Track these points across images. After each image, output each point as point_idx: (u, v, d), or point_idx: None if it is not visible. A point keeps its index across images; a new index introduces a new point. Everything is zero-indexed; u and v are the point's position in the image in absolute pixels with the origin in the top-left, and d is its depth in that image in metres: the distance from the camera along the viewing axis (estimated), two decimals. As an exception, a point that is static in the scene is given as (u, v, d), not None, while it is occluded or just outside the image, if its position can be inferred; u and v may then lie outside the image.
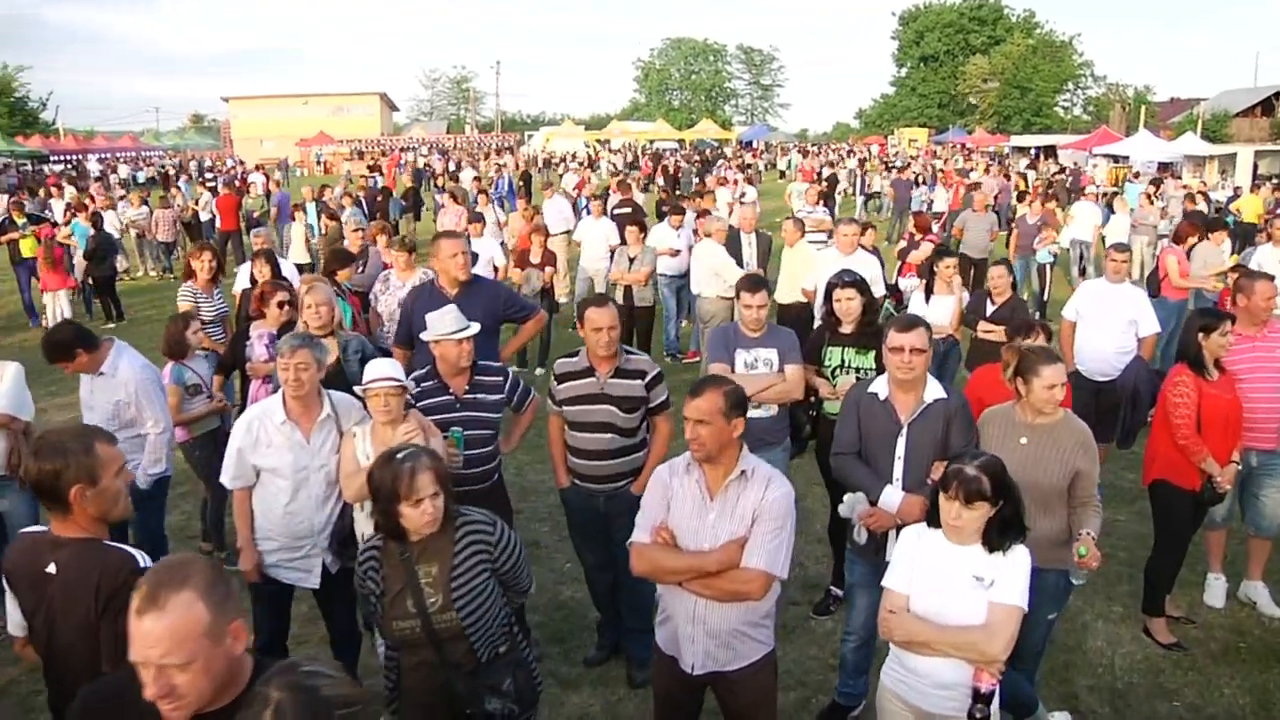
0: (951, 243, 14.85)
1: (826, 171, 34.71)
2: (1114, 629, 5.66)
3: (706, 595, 3.43)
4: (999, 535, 3.24)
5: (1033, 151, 48.03)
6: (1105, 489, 7.37)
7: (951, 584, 3.26)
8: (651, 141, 63.75)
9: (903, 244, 12.30)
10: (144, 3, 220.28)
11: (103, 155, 56.46)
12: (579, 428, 4.96)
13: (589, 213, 14.22)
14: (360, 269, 9.86)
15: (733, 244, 10.35)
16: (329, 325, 5.77)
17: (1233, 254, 11.92)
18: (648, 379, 4.93)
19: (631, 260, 10.51)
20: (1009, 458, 4.01)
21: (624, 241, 11.08)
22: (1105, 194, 23.73)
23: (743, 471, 3.49)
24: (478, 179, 22.86)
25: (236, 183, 30.00)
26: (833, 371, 5.59)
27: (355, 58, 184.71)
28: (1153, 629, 5.52)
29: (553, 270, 11.23)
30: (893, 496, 4.19)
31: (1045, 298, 14.62)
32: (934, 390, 4.26)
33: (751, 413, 5.20)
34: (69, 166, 50.29)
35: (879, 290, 8.35)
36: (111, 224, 19.16)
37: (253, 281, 8.17)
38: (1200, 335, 5.26)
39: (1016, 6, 76.12)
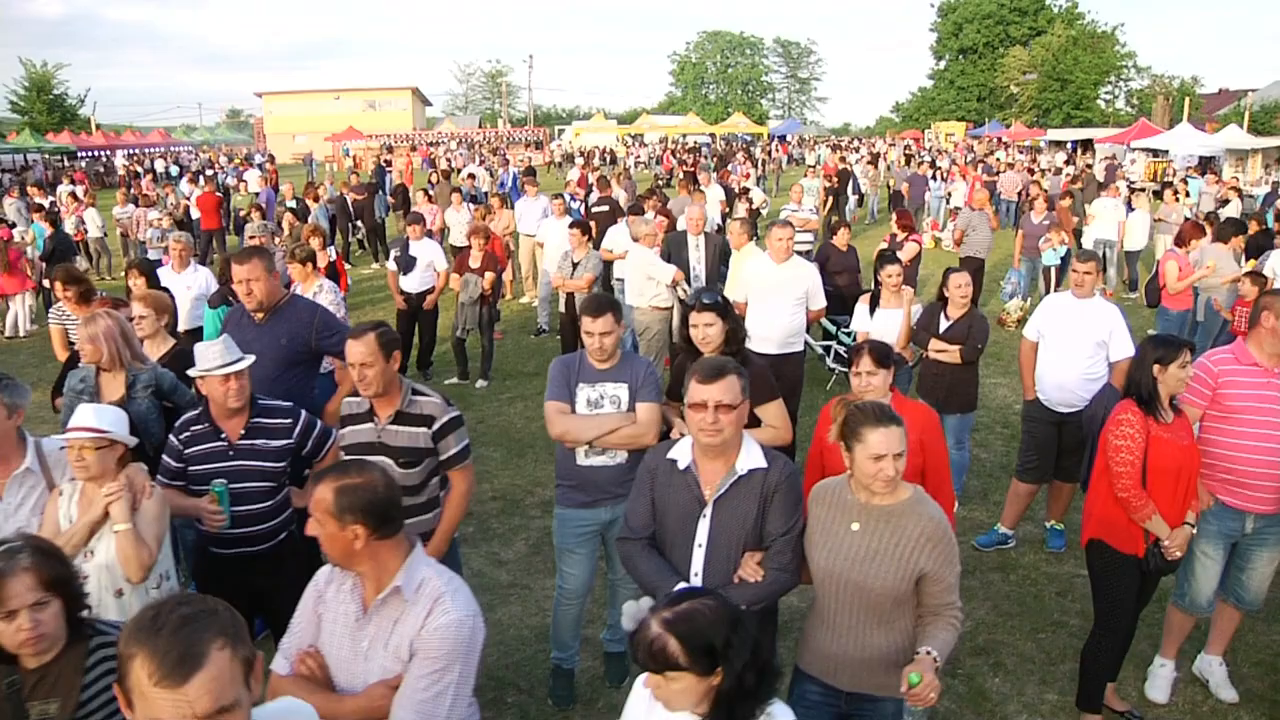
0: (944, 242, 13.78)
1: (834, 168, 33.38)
2: (1045, 725, 4.67)
3: None
4: (733, 714, 2.27)
5: (1069, 145, 46.29)
6: (1068, 537, 6.45)
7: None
8: (684, 135, 62.90)
9: (883, 245, 11.23)
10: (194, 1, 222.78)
11: (131, 151, 56.49)
12: None
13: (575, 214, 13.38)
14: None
15: (679, 247, 9.42)
16: (100, 359, 4.95)
17: (1249, 259, 10.73)
18: (436, 426, 4.06)
19: (576, 266, 9.61)
20: (837, 548, 3.10)
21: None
22: (1141, 189, 22.28)
23: (398, 587, 2.60)
24: (471, 176, 21.96)
25: (231, 180, 29.40)
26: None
27: (392, 53, 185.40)
28: (1090, 729, 4.54)
29: (493, 276, 10.36)
30: None
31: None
32: (751, 457, 3.31)
33: (594, 459, 4.38)
34: (98, 162, 50.34)
35: (816, 304, 7.37)
36: (93, 223, 18.78)
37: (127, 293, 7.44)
38: (1155, 367, 4.25)
39: (1059, -4, 73.88)
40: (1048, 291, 13.56)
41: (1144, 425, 4.21)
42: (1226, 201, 20.82)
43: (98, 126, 63.61)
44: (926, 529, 3.08)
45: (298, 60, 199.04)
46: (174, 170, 45.37)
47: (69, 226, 18.53)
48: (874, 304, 7.23)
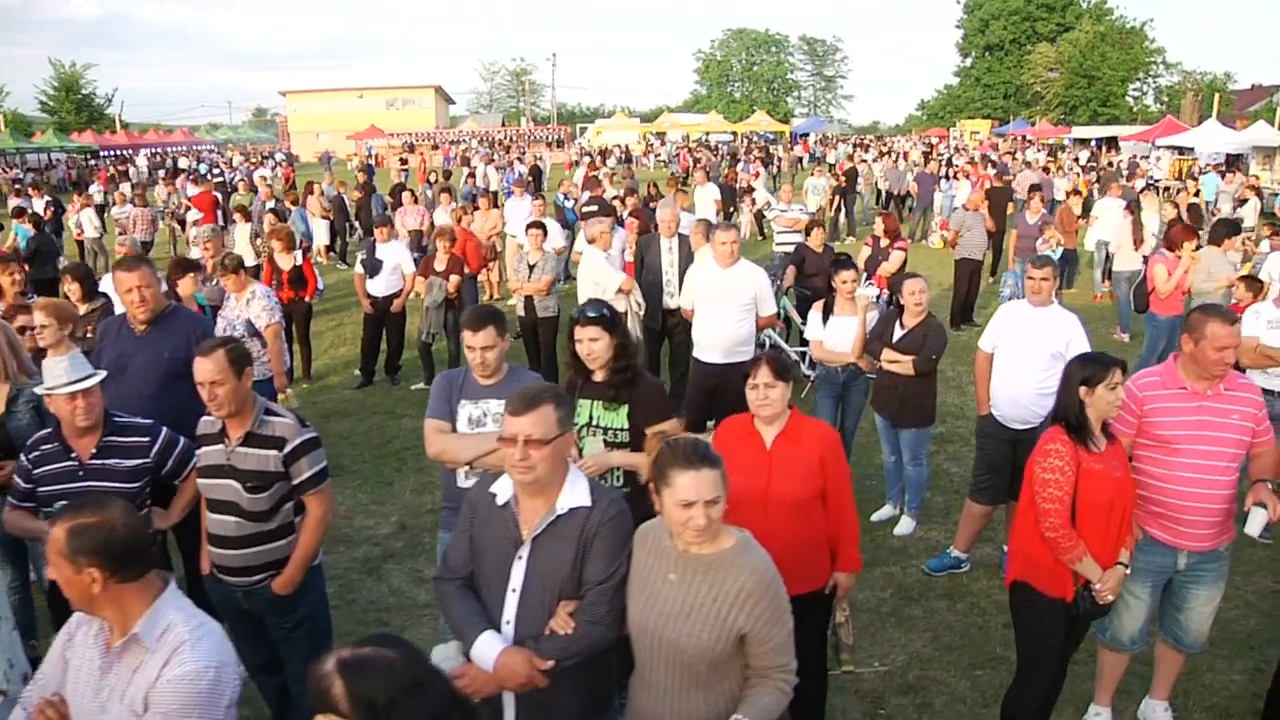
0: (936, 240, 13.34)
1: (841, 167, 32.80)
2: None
3: None
4: None
5: (1093, 143, 45.41)
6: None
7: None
8: (706, 134, 62.51)
9: (866, 250, 10.82)
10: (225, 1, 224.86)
11: (153, 150, 56.82)
12: (209, 505, 3.89)
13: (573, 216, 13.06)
14: (213, 280, 8.88)
15: (650, 250, 9.06)
16: None
17: (1244, 262, 10.23)
18: (288, 449, 3.77)
19: (532, 268, 9.29)
20: (653, 601, 2.75)
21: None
22: (1148, 189, 21.59)
23: (136, 634, 2.36)
24: (472, 175, 21.68)
25: (240, 179, 29.28)
26: (579, 432, 4.30)
27: (419, 52, 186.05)
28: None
29: (458, 279, 10.05)
30: (489, 648, 2.86)
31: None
32: (574, 495, 2.96)
33: (475, 480, 4.02)
34: (120, 161, 50.65)
35: (765, 310, 6.99)
36: (90, 224, 18.67)
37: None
38: (1082, 389, 3.85)
39: (1087, -10, 72.67)
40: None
41: (1074, 455, 3.80)
42: (1244, 201, 20.16)
43: (123, 126, 64.23)
44: (747, 584, 2.71)
45: (325, 59, 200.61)
46: (203, 168, 45.67)
47: (72, 225, 18.60)
48: (828, 311, 6.84)
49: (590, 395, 4.28)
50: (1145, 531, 4.12)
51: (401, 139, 62.91)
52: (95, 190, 25.99)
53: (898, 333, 6.43)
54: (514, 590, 2.95)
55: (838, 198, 22.52)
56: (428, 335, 10.18)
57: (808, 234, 10.28)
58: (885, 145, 44.42)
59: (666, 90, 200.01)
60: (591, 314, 4.16)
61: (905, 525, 6.69)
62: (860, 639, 5.30)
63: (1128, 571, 3.94)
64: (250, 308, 7.59)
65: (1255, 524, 4.04)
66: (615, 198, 13.93)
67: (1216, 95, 48.59)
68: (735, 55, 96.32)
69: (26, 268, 14.32)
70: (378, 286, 10.38)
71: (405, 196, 15.90)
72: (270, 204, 16.23)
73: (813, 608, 4.03)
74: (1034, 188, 16.96)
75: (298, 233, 11.91)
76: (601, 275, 8.25)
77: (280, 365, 7.63)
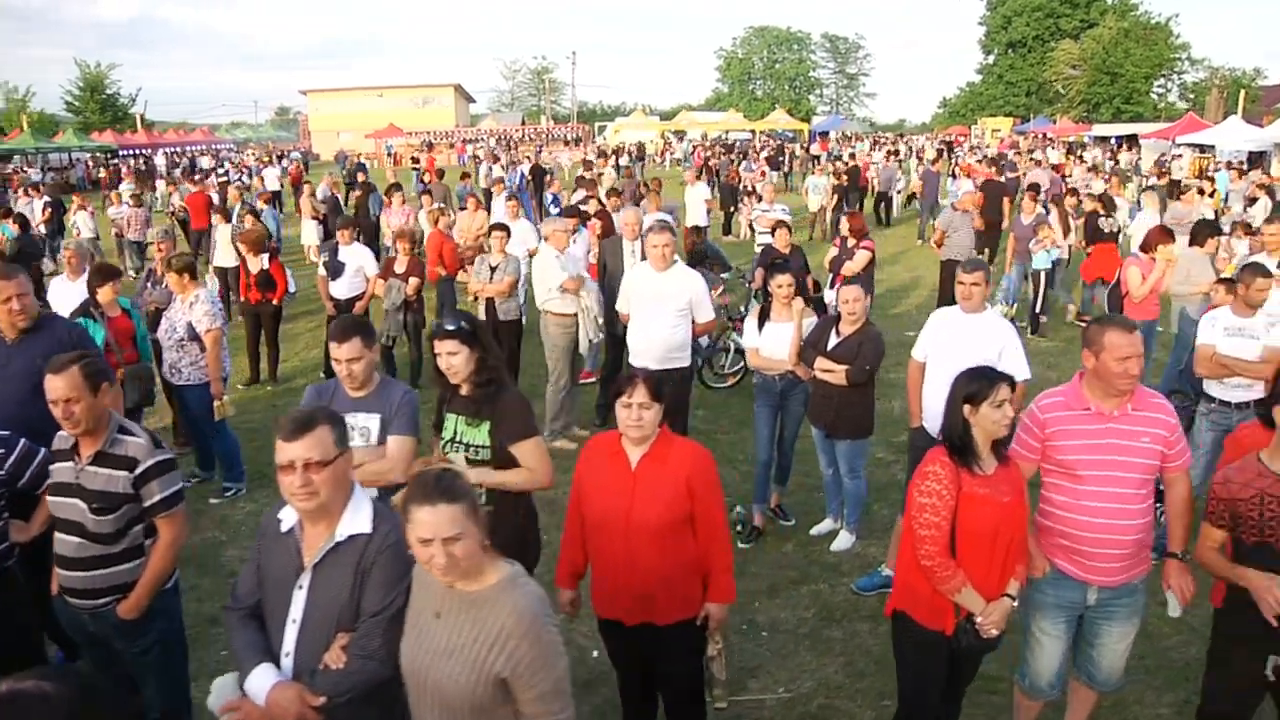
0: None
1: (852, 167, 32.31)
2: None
3: None
4: None
5: (1113, 141, 44.68)
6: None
7: None
8: (725, 132, 62.18)
9: (833, 251, 10.54)
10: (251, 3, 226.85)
11: (171, 149, 57.14)
12: (56, 524, 3.75)
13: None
14: (151, 286, 8.79)
15: (613, 253, 8.86)
16: None
17: (1229, 265, 9.85)
18: (138, 471, 3.61)
19: (494, 269, 9.09)
20: (420, 638, 2.55)
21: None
22: (1151, 188, 21.02)
23: None
24: (466, 175, 21.53)
25: (247, 179, 29.34)
26: (444, 446, 4.10)
27: (441, 51, 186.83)
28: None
29: (417, 281, 9.87)
30: (262, 681, 2.73)
31: (1040, 310, 12.67)
32: (355, 521, 2.79)
33: None
34: (140, 160, 50.96)
35: (702, 316, 6.75)
36: (85, 225, 18.68)
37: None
38: (966, 406, 3.58)
39: (1113, -14, 71.47)
40: (1036, 297, 12.75)
41: (954, 478, 3.52)
42: (1255, 200, 19.59)
43: (146, 125, 64.69)
44: (507, 624, 2.48)
45: (348, 58, 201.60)
46: (205, 163, 45.85)
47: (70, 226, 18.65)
48: (763, 317, 6.58)
49: (455, 410, 4.11)
50: (1053, 564, 3.83)
51: (420, 137, 63.07)
52: (125, 188, 25.97)
53: (833, 340, 6.17)
54: (294, 621, 2.83)
55: (838, 196, 22.17)
56: (387, 338, 10.01)
57: (773, 234, 10.00)
58: (894, 144, 43.76)
59: (688, 89, 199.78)
60: (449, 327, 3.97)
61: (843, 540, 6.43)
62: (772, 661, 5.08)
63: (1015, 604, 3.66)
64: (193, 311, 7.45)
65: (1174, 606, 3.83)
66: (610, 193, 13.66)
67: (1242, 91, 47.62)
68: (757, 53, 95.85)
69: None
70: (340, 289, 10.23)
71: (396, 197, 15.76)
72: (237, 206, 16.03)
73: (683, 638, 3.81)
74: (1031, 187, 16.57)
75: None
76: (546, 273, 8.03)
77: (218, 372, 7.46)
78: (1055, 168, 26.69)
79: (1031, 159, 31.33)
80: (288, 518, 2.90)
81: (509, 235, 9.34)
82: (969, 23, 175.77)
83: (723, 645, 3.96)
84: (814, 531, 6.63)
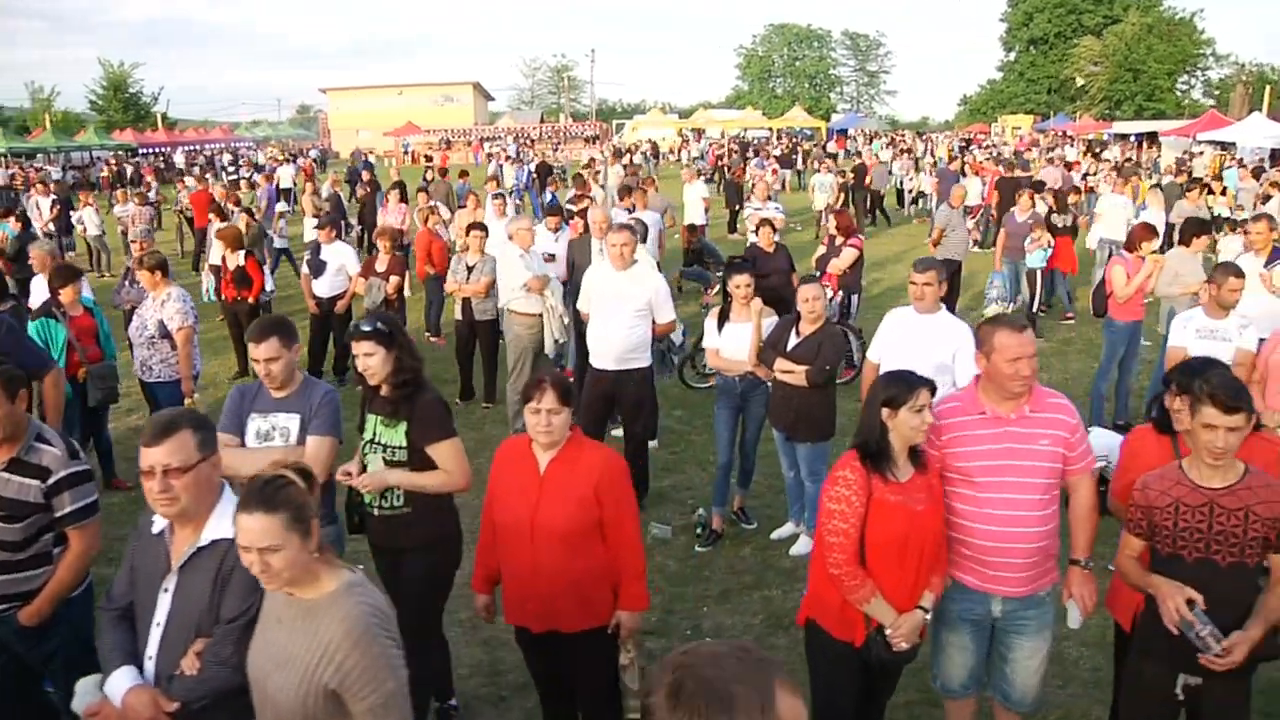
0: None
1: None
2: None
3: None
4: None
5: (1132, 138, 44.16)
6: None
7: None
8: (744, 130, 61.97)
9: (821, 250, 10.41)
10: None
11: (190, 148, 57.55)
12: None
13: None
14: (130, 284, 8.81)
15: (582, 252, 8.77)
16: None
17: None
18: (51, 481, 3.55)
19: (470, 269, 9.03)
20: (262, 647, 2.53)
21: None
22: (1156, 185, 20.64)
23: None
24: (465, 173, 21.48)
25: (259, 176, 29.43)
26: (363, 449, 4.06)
27: (461, 50, 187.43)
28: None
29: (398, 280, 9.84)
30: (119, 684, 2.76)
31: (1036, 309, 12.47)
32: (220, 524, 2.78)
33: None
34: (159, 159, 51.38)
35: (662, 317, 6.65)
36: (91, 222, 18.82)
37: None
38: (884, 410, 3.47)
39: (1136, -18, 70.59)
40: (1032, 297, 12.56)
41: (864, 485, 3.41)
42: (1268, 198, 19.24)
43: (167, 124, 65.25)
44: (335, 635, 2.42)
45: (372, 58, 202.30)
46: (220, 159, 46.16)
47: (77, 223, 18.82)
48: (723, 317, 6.47)
49: (374, 411, 4.11)
50: (954, 576, 3.69)
51: (439, 135, 63.24)
52: (183, 194, 26.11)
53: (793, 340, 6.06)
54: (158, 624, 2.82)
55: (845, 194, 21.98)
56: (368, 336, 9.98)
57: (757, 232, 9.88)
58: (904, 143, 43.40)
59: (708, 87, 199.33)
60: (365, 328, 3.96)
61: (802, 545, 6.31)
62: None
63: (928, 617, 3.54)
64: (164, 309, 7.43)
65: (1074, 617, 3.72)
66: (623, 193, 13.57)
67: (1268, 87, 46.92)
68: (777, 51, 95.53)
69: (12, 264, 14.50)
70: (322, 287, 10.20)
71: (392, 195, 15.74)
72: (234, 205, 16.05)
73: (594, 646, 3.73)
74: (1036, 184, 16.37)
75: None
76: (508, 271, 7.96)
77: (188, 369, 7.45)
78: (1068, 165, 26.34)
79: (1047, 158, 30.92)
80: (160, 520, 2.88)
81: (487, 235, 9.28)
82: (991, 19, 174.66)
83: (635, 654, 3.87)
84: (774, 535, 6.53)
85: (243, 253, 10.33)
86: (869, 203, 24.24)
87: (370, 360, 3.92)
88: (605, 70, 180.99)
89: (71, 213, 19.91)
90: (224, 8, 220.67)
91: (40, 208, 20.51)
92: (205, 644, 2.73)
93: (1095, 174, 26.01)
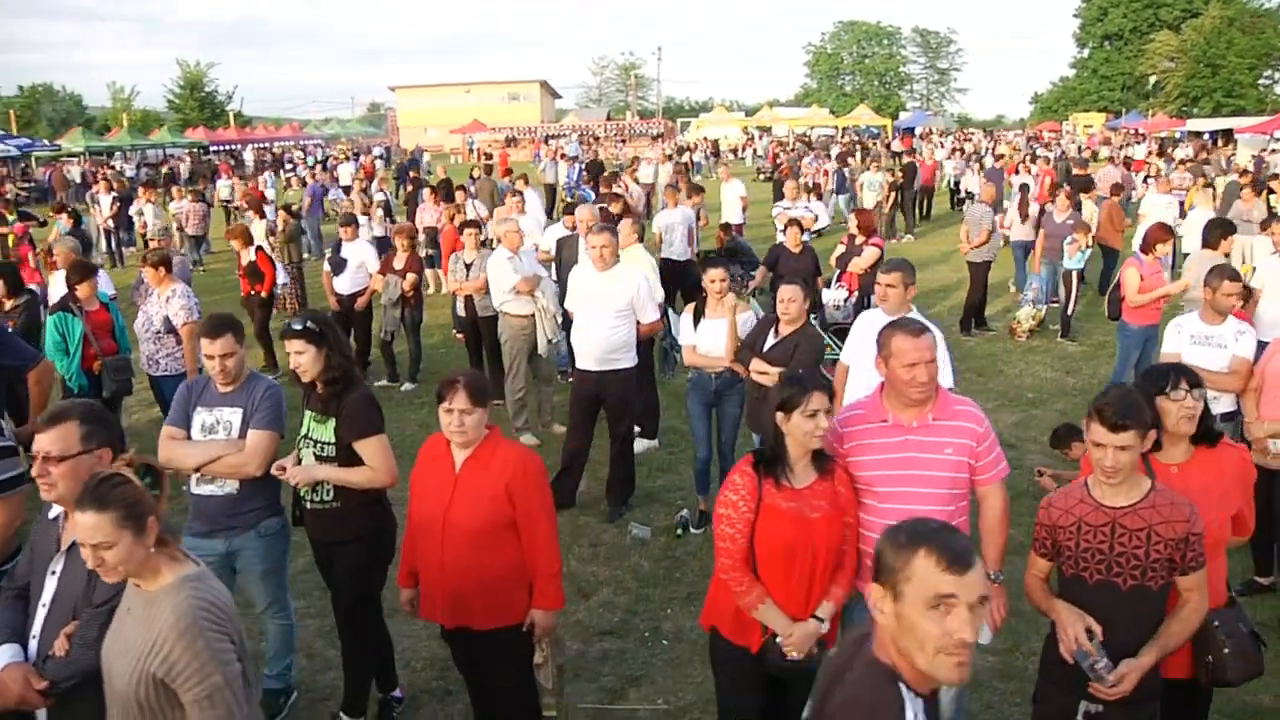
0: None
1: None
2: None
3: None
4: None
5: (1207, 136, 42.77)
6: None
7: None
8: (810, 128, 61.47)
9: (840, 249, 10.29)
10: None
11: (260, 145, 58.86)
12: None
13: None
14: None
15: (569, 250, 8.83)
16: None
17: (1244, 265, 9.32)
18: None
19: (469, 268, 9.13)
20: (115, 634, 2.64)
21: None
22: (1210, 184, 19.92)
23: None
24: (525, 177, 21.63)
25: (309, 173, 30.05)
26: (298, 442, 4.17)
27: (531, 46, 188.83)
28: None
29: (414, 278, 9.97)
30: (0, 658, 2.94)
31: (1071, 312, 12.17)
32: None
33: (205, 487, 4.15)
34: (229, 156, 52.70)
35: (646, 317, 6.63)
36: (150, 216, 19.36)
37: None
38: (779, 414, 3.39)
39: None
40: (1068, 300, 12.24)
41: (754, 490, 3.35)
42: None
43: (240, 122, 66.88)
44: (165, 625, 2.48)
45: (447, 55, 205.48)
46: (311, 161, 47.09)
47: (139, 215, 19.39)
48: (699, 314, 6.44)
49: (309, 407, 4.22)
50: (859, 588, 3.55)
51: (505, 133, 63.85)
52: (223, 185, 26.88)
53: (770, 341, 6.00)
54: (44, 605, 2.98)
55: (894, 194, 21.66)
56: (386, 333, 10.16)
57: (784, 232, 9.81)
58: (958, 142, 42.56)
59: (776, 85, 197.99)
60: (296, 327, 4.07)
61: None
62: (661, 671, 4.99)
63: (824, 627, 3.44)
64: (170, 305, 7.64)
65: (985, 633, 3.59)
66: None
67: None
68: (846, 48, 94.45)
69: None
70: (343, 284, 10.41)
71: (426, 193, 15.93)
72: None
73: (507, 645, 3.76)
74: (1073, 181, 15.95)
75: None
76: (496, 273, 8.02)
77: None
78: (1128, 164, 25.62)
79: (1108, 156, 30.12)
80: (57, 505, 3.04)
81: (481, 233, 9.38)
82: (1065, 15, 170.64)
83: (550, 653, 3.88)
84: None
85: (253, 248, 10.64)
86: (921, 202, 23.93)
87: (301, 358, 4.01)
88: (674, 68, 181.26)
89: (130, 207, 20.51)
90: (298, 6, 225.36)
91: (100, 204, 21.22)
92: (75, 626, 2.86)
93: (1161, 174, 25.29)
